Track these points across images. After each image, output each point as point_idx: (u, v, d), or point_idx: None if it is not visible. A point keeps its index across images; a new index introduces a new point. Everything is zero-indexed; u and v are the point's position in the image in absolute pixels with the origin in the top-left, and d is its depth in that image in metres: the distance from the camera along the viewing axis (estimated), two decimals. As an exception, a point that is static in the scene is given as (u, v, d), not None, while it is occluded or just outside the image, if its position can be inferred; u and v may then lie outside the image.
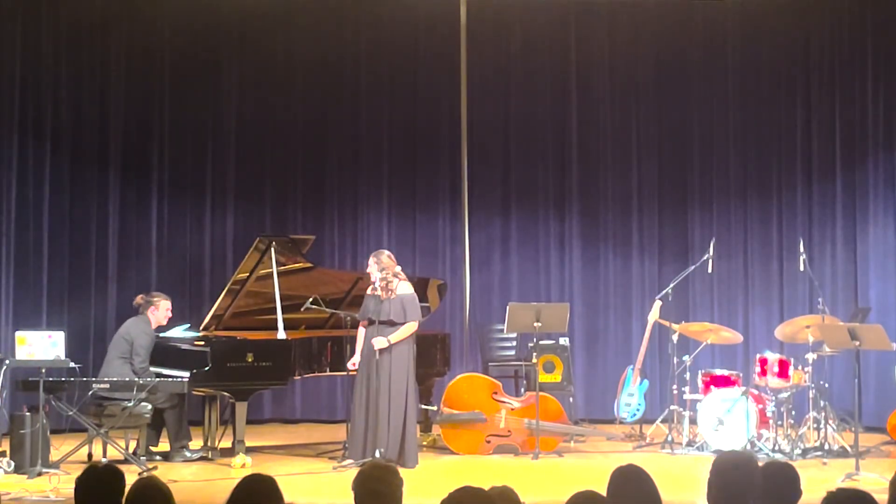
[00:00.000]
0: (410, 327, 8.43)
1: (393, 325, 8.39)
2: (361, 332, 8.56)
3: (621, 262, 11.47)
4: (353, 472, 4.02)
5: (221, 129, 11.31)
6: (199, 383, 8.45)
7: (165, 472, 7.76)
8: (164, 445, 8.81)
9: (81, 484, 4.05)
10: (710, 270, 9.91)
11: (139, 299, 8.92)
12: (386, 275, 8.40)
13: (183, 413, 8.80)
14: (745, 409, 8.82)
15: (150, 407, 8.43)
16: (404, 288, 8.50)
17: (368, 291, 8.59)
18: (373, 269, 8.47)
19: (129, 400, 8.19)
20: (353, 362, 8.52)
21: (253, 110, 11.37)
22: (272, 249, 8.77)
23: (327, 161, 11.52)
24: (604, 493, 3.92)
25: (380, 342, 8.29)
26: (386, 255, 8.54)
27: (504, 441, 9.18)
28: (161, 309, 8.86)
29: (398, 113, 11.57)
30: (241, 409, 8.50)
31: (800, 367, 9.05)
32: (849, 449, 8.67)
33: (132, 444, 8.56)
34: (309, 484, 7.84)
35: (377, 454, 8.14)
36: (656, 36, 11.48)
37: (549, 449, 9.08)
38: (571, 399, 10.17)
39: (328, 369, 9.06)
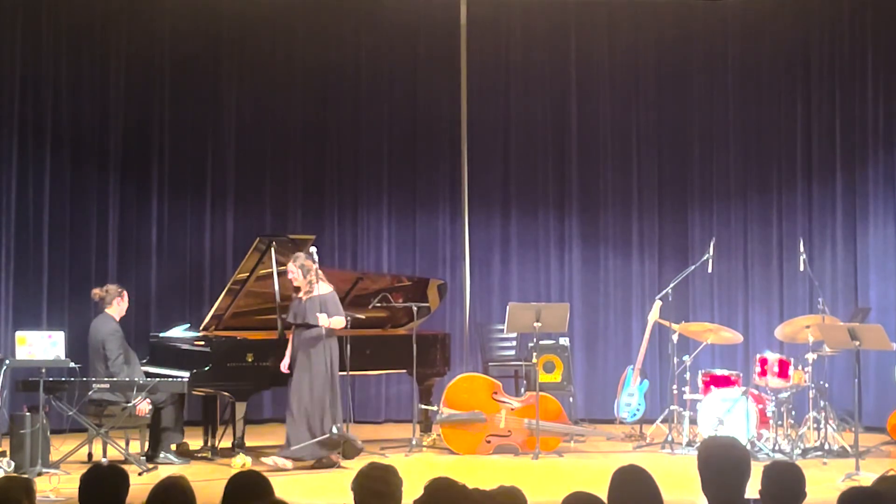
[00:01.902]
0: (340, 321, 8.39)
1: (309, 327, 8.34)
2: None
3: (621, 262, 11.48)
4: (353, 471, 4.02)
5: (221, 129, 11.31)
6: (199, 383, 8.44)
7: (165, 473, 7.75)
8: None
9: (85, 482, 4.06)
10: (710, 270, 9.91)
11: (100, 293, 8.78)
12: (311, 277, 8.37)
13: (180, 414, 8.79)
14: (745, 409, 8.83)
15: (150, 407, 8.42)
16: (323, 288, 8.44)
17: (294, 295, 8.52)
18: (296, 273, 8.40)
19: (129, 400, 8.19)
20: (285, 365, 8.47)
21: (253, 110, 11.37)
22: (272, 249, 8.77)
23: (327, 161, 11.52)
24: (604, 493, 3.92)
25: (323, 318, 8.24)
26: (304, 256, 8.47)
27: (504, 441, 9.18)
28: (125, 299, 8.79)
29: (398, 113, 11.57)
30: (241, 409, 8.51)
31: (800, 367, 9.06)
32: (849, 449, 8.67)
33: (135, 445, 8.58)
34: (308, 484, 7.84)
35: (334, 430, 8.19)
36: (656, 36, 11.49)
37: (550, 449, 9.08)
38: (571, 399, 10.18)
39: (328, 369, 9.05)
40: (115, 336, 8.57)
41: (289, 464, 8.26)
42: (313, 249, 8.52)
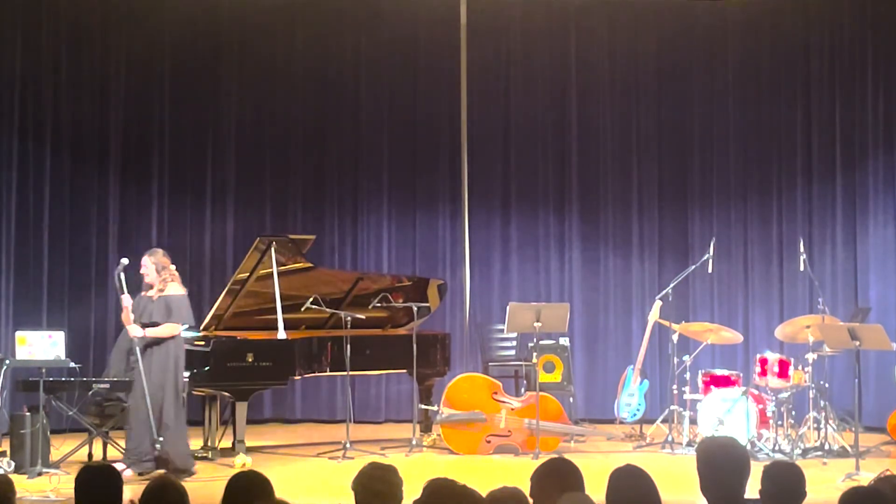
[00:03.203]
0: (171, 328, 7.93)
1: (157, 326, 7.96)
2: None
3: (621, 262, 11.48)
4: (353, 470, 4.01)
5: (221, 130, 11.31)
6: (199, 383, 8.45)
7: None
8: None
9: (80, 482, 4.11)
10: (710, 270, 9.90)
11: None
12: (165, 275, 8.00)
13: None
14: (745, 409, 8.83)
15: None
16: (174, 288, 8.04)
17: (143, 293, 8.09)
18: (150, 269, 7.99)
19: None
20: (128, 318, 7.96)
21: (253, 110, 11.37)
22: (272, 249, 8.77)
23: (327, 161, 11.52)
24: (603, 493, 3.92)
25: (135, 329, 7.86)
26: (161, 253, 8.15)
27: (504, 441, 9.18)
28: None
29: (398, 113, 11.57)
30: (241, 409, 8.51)
31: (800, 367, 9.06)
32: (849, 449, 8.67)
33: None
34: (309, 484, 7.84)
35: (157, 447, 7.77)
36: (656, 36, 11.49)
37: (550, 449, 9.07)
38: (571, 399, 10.17)
39: (328, 369, 9.07)
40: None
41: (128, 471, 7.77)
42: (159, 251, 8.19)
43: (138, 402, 7.82)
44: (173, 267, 8.11)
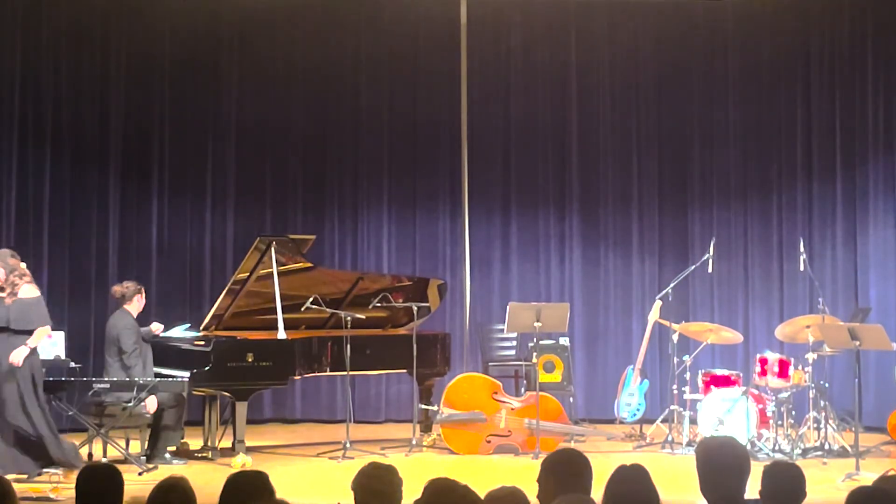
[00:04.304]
0: (45, 331, 7.73)
1: (15, 333, 7.60)
2: None
3: (621, 262, 11.48)
4: (353, 470, 4.01)
5: (221, 129, 11.30)
6: (199, 383, 8.45)
7: (165, 473, 7.73)
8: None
9: (81, 483, 4.10)
10: (710, 270, 9.90)
11: (120, 289, 8.77)
12: (15, 277, 7.64)
13: (181, 415, 8.79)
14: (745, 409, 8.83)
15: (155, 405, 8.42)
16: (28, 291, 7.70)
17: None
18: None
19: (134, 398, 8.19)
20: None
21: (253, 110, 11.36)
22: (272, 249, 8.77)
23: (327, 161, 11.52)
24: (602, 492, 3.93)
25: (20, 353, 7.51)
26: (9, 253, 7.81)
27: (504, 441, 9.18)
28: (143, 296, 8.85)
29: (398, 113, 11.57)
30: (241, 409, 8.51)
31: (800, 367, 9.06)
32: (849, 449, 8.67)
33: (135, 444, 8.58)
34: (309, 484, 7.85)
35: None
36: (656, 36, 11.49)
37: (550, 449, 9.00)
38: (571, 399, 10.18)
39: (328, 369, 9.07)
40: (131, 331, 8.58)
41: None
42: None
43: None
44: (23, 265, 7.86)
